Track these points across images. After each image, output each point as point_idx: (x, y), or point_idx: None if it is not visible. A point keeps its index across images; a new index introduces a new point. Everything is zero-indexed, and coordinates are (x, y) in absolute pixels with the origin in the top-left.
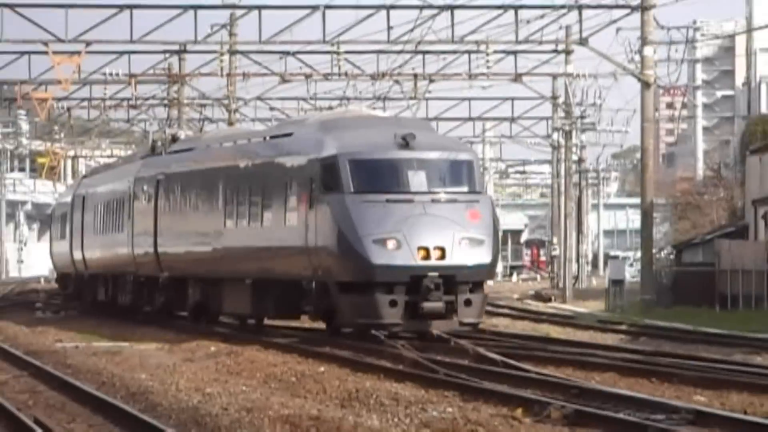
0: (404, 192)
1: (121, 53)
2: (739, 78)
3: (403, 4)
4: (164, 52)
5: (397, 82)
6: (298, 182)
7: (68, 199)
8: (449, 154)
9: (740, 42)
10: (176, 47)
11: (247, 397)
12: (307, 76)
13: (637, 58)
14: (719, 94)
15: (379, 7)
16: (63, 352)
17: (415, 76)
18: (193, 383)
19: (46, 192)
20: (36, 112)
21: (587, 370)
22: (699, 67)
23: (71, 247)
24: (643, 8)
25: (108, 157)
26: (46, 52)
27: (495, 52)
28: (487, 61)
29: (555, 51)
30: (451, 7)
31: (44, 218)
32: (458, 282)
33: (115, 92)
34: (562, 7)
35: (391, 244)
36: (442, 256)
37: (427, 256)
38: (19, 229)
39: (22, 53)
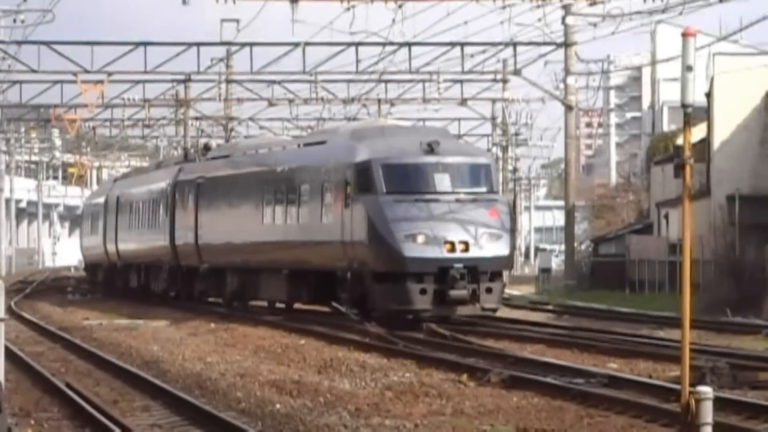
0: (431, 192)
1: (137, 82)
2: (645, 102)
3: (369, 42)
4: (172, 81)
5: (364, 105)
6: (333, 184)
7: (100, 200)
8: (470, 158)
9: (646, 72)
10: (182, 77)
11: (240, 364)
12: (290, 101)
13: (561, 86)
14: (629, 115)
15: (349, 44)
16: (89, 328)
17: (379, 100)
18: (196, 353)
19: (75, 196)
20: (67, 130)
21: (521, 342)
22: (612, 93)
23: (104, 240)
24: (566, 45)
25: (126, 167)
26: (75, 81)
27: (445, 80)
28: (439, 88)
29: (494, 80)
30: (409, 44)
31: (74, 218)
32: (480, 272)
33: (132, 114)
34: (500, 43)
35: (420, 238)
36: (466, 249)
37: (453, 249)
38: (53, 227)
39: (56, 82)
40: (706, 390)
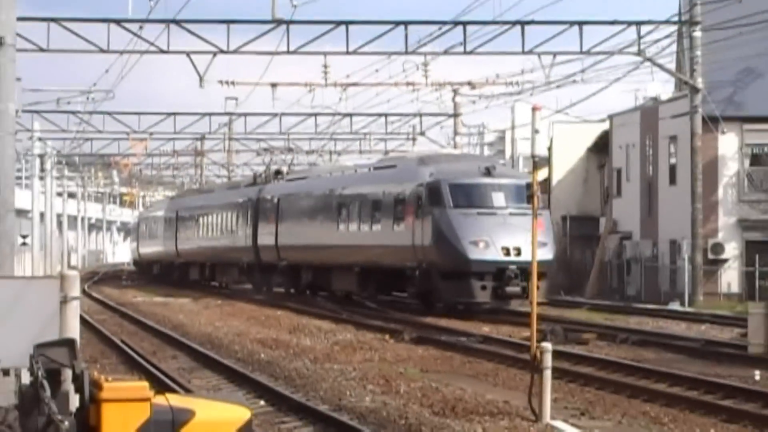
0: (489, 207)
1: (169, 139)
2: (508, 154)
3: (324, 113)
4: (192, 138)
5: (320, 155)
6: (405, 199)
7: (158, 214)
8: (518, 180)
9: (508, 134)
10: (199, 136)
11: (237, 328)
12: (272, 152)
13: (452, 142)
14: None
15: (310, 114)
16: (137, 303)
17: (330, 152)
18: (208, 320)
19: (128, 215)
20: (122, 171)
21: (423, 315)
22: (486, 148)
23: (163, 243)
24: (455, 115)
25: (162, 196)
26: (127, 138)
27: (374, 139)
28: (370, 144)
29: (407, 138)
30: (351, 114)
31: (127, 230)
32: (530, 272)
33: (165, 160)
34: (411, 114)
35: (482, 244)
36: (519, 254)
37: (508, 253)
38: (113, 236)
39: (115, 139)
40: (547, 345)
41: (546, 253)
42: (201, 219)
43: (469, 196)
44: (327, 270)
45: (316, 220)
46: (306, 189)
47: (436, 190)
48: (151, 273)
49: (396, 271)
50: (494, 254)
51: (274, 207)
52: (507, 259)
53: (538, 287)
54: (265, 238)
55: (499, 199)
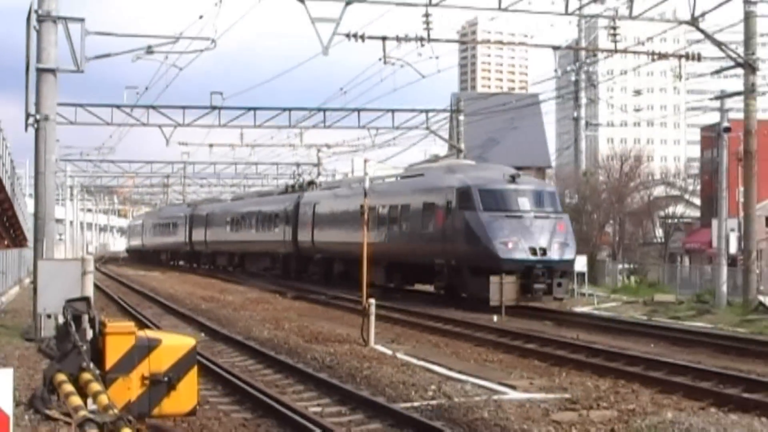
0: (516, 211)
1: (147, 177)
2: None
3: (240, 162)
4: (162, 176)
5: (248, 187)
6: (435, 203)
7: (180, 214)
8: (541, 187)
9: (350, 176)
10: (166, 176)
11: (189, 290)
12: (210, 186)
13: (319, 180)
14: None
15: (232, 163)
16: (128, 275)
17: (243, 186)
18: (170, 285)
19: (123, 222)
20: (121, 196)
21: (303, 281)
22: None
23: (189, 236)
24: (318, 164)
25: (143, 212)
26: (123, 176)
27: (270, 178)
28: (268, 181)
29: (290, 178)
30: (256, 163)
31: (124, 231)
32: (554, 270)
33: (145, 190)
34: (292, 163)
35: (511, 244)
36: (544, 254)
37: (535, 253)
38: (114, 235)
39: (115, 176)
40: (372, 300)
41: (569, 253)
42: (235, 219)
43: (497, 201)
44: (358, 263)
45: (349, 221)
46: (340, 195)
47: (466, 195)
48: (158, 259)
49: (424, 266)
50: (522, 254)
51: (312, 209)
52: (534, 258)
53: (560, 284)
54: (304, 234)
55: (524, 203)
